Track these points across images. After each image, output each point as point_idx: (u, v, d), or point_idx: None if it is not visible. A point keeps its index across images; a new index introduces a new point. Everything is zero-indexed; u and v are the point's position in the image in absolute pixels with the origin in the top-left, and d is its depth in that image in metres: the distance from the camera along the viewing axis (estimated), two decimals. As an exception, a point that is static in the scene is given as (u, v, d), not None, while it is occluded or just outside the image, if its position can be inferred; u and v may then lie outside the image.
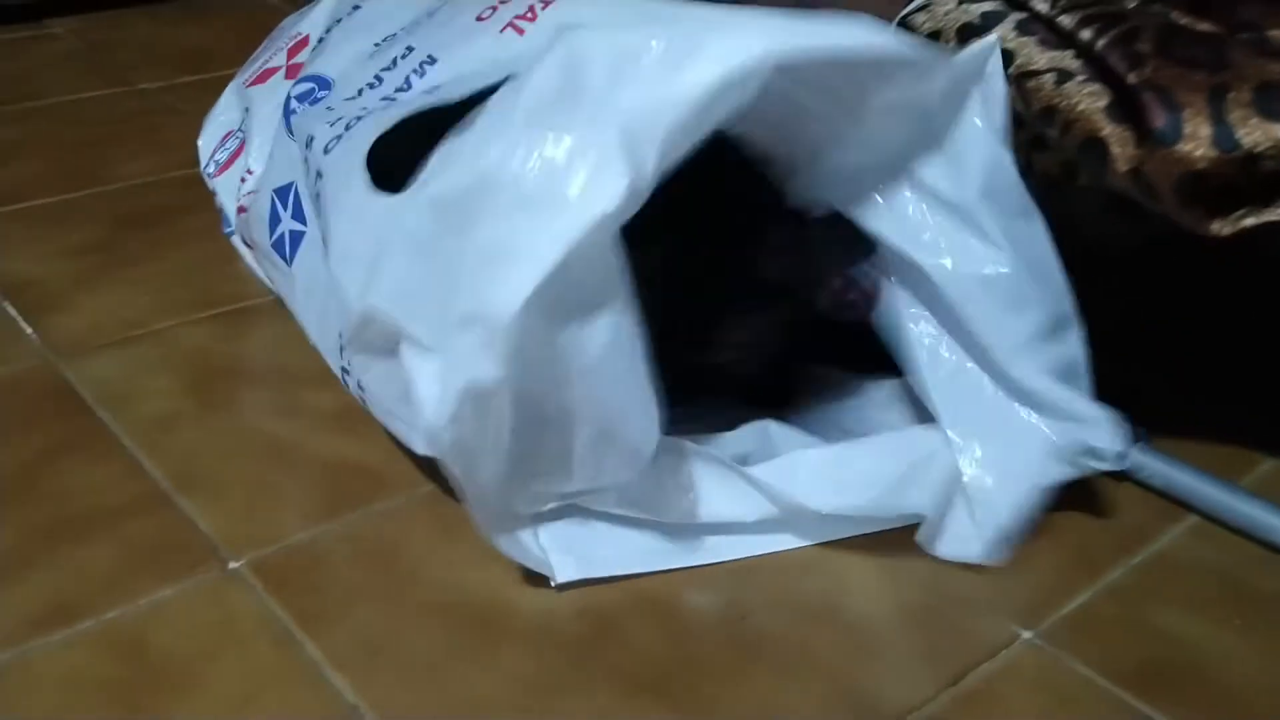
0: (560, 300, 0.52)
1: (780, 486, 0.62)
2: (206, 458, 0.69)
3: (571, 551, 0.61)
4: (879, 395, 0.72)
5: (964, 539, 0.62)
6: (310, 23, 0.85)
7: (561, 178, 0.51)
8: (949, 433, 0.64)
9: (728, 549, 0.63)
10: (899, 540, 0.63)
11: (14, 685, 0.53)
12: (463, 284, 0.53)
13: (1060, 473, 0.63)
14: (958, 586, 0.61)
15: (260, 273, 0.85)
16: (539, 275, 0.50)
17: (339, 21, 0.82)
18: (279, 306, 0.81)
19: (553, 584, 0.60)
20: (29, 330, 0.80)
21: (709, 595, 0.60)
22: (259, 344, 0.81)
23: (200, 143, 0.93)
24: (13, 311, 0.82)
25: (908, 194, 0.64)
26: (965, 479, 0.63)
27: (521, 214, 0.52)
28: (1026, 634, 0.59)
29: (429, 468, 0.68)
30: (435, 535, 0.64)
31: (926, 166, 0.63)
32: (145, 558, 0.61)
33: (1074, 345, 0.63)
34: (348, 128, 0.66)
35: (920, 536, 0.62)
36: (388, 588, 0.60)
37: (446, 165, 0.55)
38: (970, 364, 0.65)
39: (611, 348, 0.54)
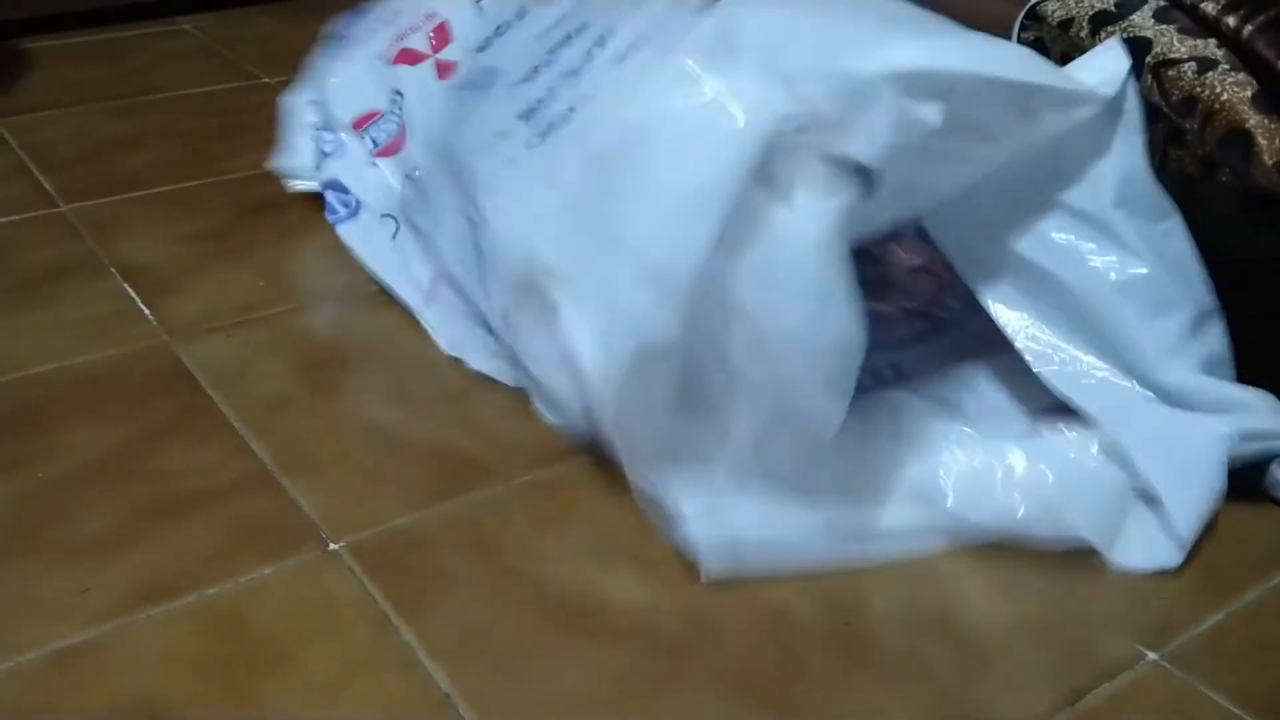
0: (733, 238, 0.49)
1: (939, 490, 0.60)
2: (312, 440, 0.69)
3: (720, 541, 0.59)
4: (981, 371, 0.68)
5: (1146, 547, 0.60)
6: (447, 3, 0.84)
7: (725, 109, 0.49)
8: (1109, 438, 0.61)
9: (884, 548, 0.61)
10: (1019, 551, 0.60)
11: (116, 657, 0.54)
12: (628, 238, 0.51)
13: (1230, 462, 0.60)
14: (1079, 603, 0.58)
15: (369, 262, 0.85)
16: (718, 215, 0.48)
17: (499, 30, 0.79)
18: (384, 295, 0.82)
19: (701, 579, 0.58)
20: (146, 312, 0.82)
21: (813, 600, 0.58)
22: (368, 331, 0.81)
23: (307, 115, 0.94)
24: (131, 293, 0.84)
25: (1038, 210, 0.61)
26: (1134, 490, 0.60)
27: (688, 152, 0.49)
28: (1152, 655, 0.55)
29: (534, 456, 0.67)
30: (536, 527, 0.63)
31: (1057, 181, 0.60)
32: (248, 536, 0.61)
33: (1217, 338, 0.61)
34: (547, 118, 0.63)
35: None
36: (485, 577, 0.59)
37: (596, 120, 0.53)
38: (1106, 371, 0.62)
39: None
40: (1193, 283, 0.60)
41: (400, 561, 0.60)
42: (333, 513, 0.63)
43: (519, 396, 0.71)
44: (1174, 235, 0.60)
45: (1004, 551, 0.61)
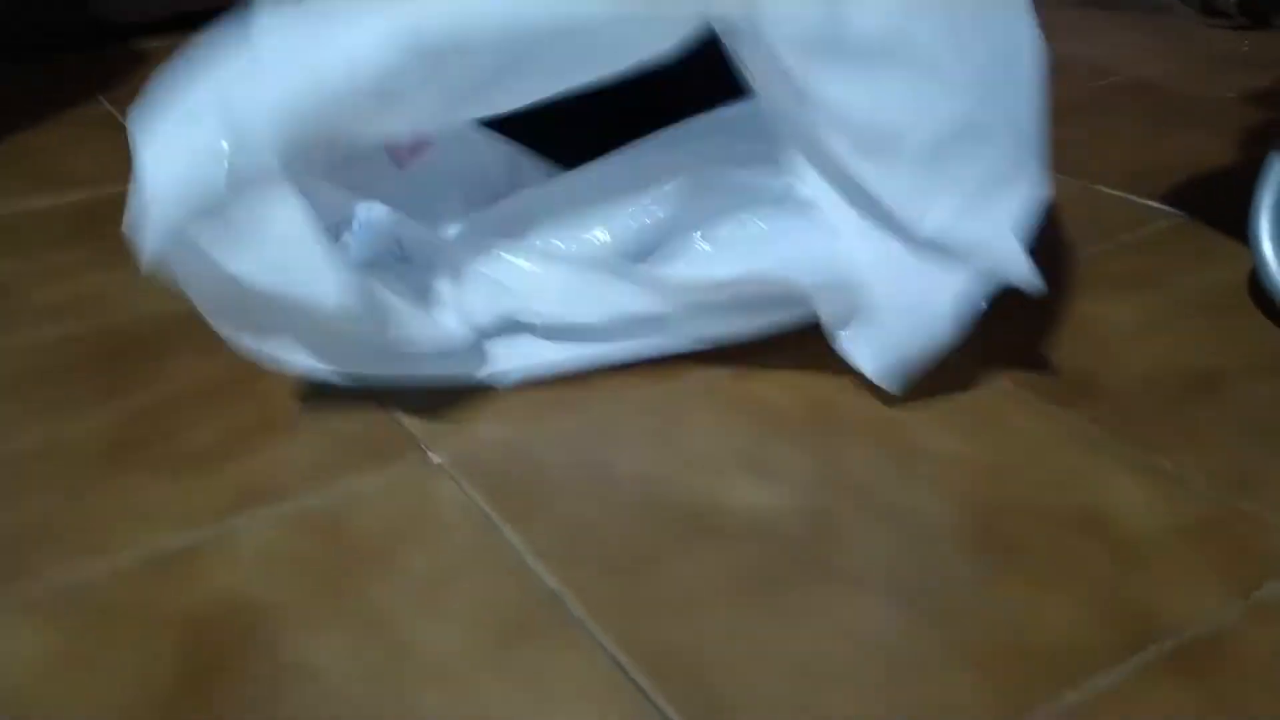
0: None
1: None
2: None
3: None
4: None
5: (875, 355, 0.61)
6: None
7: None
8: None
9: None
10: (1175, 462, 0.55)
11: (212, 560, 0.52)
12: None
13: (964, 292, 0.59)
14: (1239, 502, 0.53)
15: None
16: None
17: None
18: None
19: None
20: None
21: (948, 503, 0.54)
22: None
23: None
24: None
25: None
26: (869, 294, 0.60)
27: None
28: (1333, 551, 0.50)
29: (638, 373, 0.64)
30: (644, 438, 0.59)
31: None
32: (347, 450, 0.59)
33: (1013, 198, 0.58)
34: None
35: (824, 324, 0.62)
36: (592, 484, 0.56)
37: None
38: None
39: None
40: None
41: (503, 470, 0.57)
42: (432, 427, 0.61)
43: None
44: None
45: (1156, 458, 0.55)
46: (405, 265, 0.67)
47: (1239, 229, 0.77)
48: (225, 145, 0.53)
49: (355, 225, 0.65)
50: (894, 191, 0.59)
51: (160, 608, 0.49)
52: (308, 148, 0.55)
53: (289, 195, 0.54)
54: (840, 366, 0.65)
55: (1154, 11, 1.45)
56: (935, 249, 0.59)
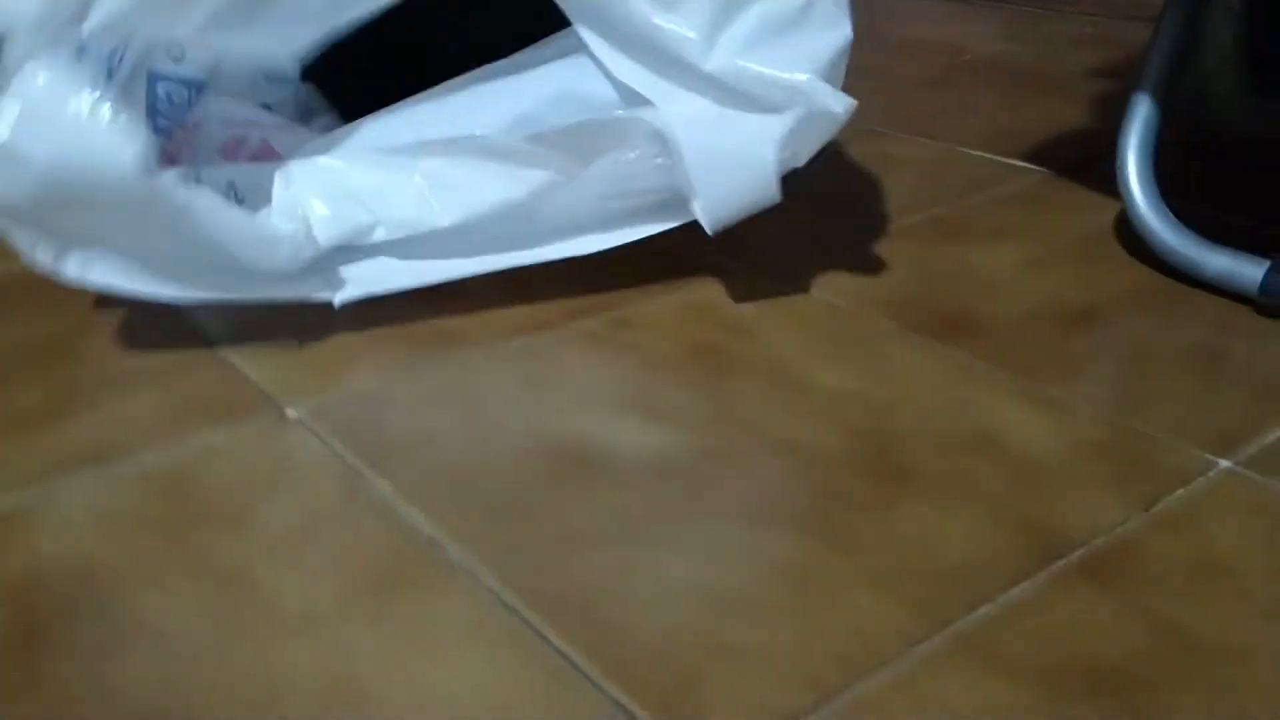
0: None
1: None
2: (252, 316, 0.62)
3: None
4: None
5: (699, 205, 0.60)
6: None
7: None
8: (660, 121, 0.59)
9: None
10: (1061, 390, 0.54)
11: (37, 522, 0.46)
12: None
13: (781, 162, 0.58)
14: (1128, 423, 0.52)
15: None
16: None
17: None
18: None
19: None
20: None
21: (838, 433, 0.51)
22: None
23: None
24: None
25: None
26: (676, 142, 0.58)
27: None
28: (1225, 463, 0.49)
29: (511, 324, 0.61)
30: (521, 385, 0.56)
31: None
32: (191, 407, 0.54)
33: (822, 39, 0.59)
34: None
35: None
36: (468, 431, 0.52)
37: None
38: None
39: None
40: None
41: (368, 421, 0.53)
42: (287, 382, 0.56)
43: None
44: None
45: (1044, 388, 0.55)
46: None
47: (1099, 183, 0.78)
48: None
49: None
50: (681, 39, 0.58)
51: (-23, 575, 0.43)
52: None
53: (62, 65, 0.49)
54: (721, 312, 0.63)
55: (1002, 3, 1.48)
56: (732, 93, 0.58)
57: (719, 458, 0.50)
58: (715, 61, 0.58)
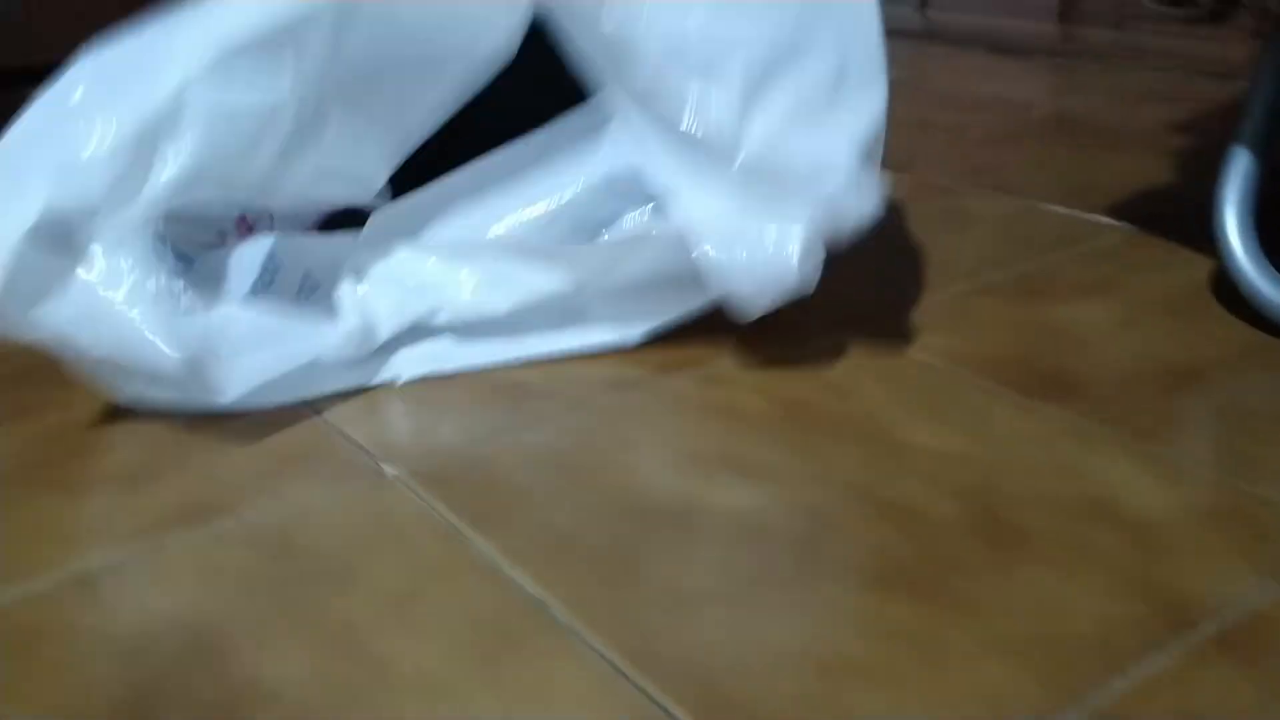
0: None
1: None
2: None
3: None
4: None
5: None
6: None
7: None
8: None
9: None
10: (1170, 451, 0.53)
11: (144, 579, 0.46)
12: None
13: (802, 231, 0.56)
14: (1243, 486, 0.50)
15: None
16: None
17: None
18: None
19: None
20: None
21: (944, 494, 0.50)
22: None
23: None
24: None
25: None
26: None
27: None
28: (1353, 530, 0.47)
29: (598, 384, 0.60)
30: (612, 444, 0.55)
31: None
32: (288, 463, 0.54)
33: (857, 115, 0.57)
34: None
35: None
36: (562, 490, 0.52)
37: None
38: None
39: None
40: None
41: (464, 480, 0.52)
42: (381, 439, 0.56)
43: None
44: None
45: (1151, 444, 0.53)
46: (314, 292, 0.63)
47: (1186, 238, 0.77)
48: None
49: (259, 269, 0.62)
50: (713, 132, 0.56)
51: (89, 631, 0.43)
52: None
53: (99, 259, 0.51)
54: (810, 368, 0.62)
55: (1061, 56, 1.48)
56: (761, 187, 0.56)
57: (823, 518, 0.49)
58: (745, 154, 0.56)
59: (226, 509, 0.50)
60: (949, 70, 1.40)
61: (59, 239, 0.51)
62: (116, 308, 0.51)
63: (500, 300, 0.62)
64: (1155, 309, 0.69)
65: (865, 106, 0.56)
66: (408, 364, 0.61)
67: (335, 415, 0.58)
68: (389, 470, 0.53)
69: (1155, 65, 1.40)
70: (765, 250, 0.56)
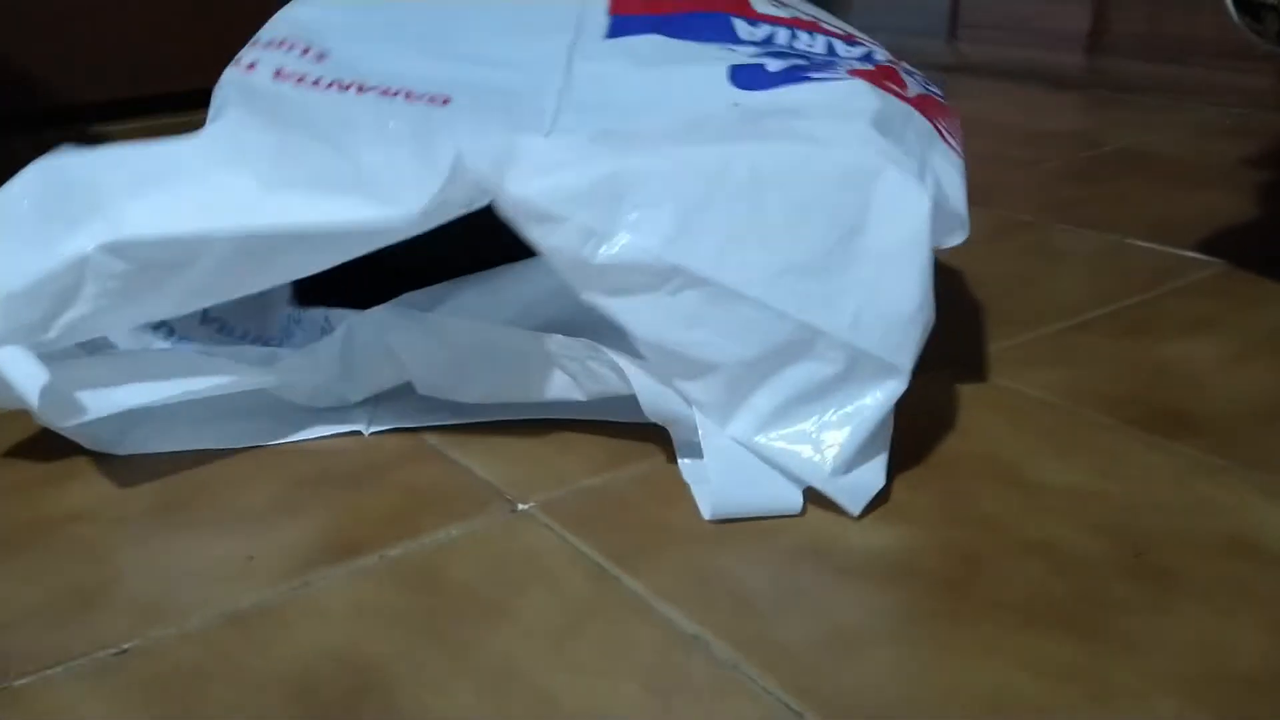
0: None
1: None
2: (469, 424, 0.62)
3: None
4: None
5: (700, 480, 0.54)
6: None
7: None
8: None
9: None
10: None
11: (297, 616, 0.46)
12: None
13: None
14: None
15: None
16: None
17: None
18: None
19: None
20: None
21: (1088, 533, 0.50)
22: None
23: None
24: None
25: None
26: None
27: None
28: None
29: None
30: (744, 480, 0.55)
31: None
32: (422, 500, 0.54)
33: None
34: None
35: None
36: (701, 527, 0.52)
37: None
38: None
39: None
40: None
41: (601, 517, 0.52)
42: (512, 477, 0.56)
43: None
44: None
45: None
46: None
47: (1288, 272, 0.77)
48: None
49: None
50: (698, 397, 0.53)
51: (250, 668, 0.43)
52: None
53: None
54: (927, 407, 0.62)
55: (1122, 90, 1.48)
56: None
57: (968, 557, 0.49)
58: (719, 417, 0.53)
59: (368, 546, 0.51)
60: (1003, 103, 1.41)
61: None
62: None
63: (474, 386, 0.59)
64: (1264, 345, 0.69)
65: (872, 394, 0.52)
66: (379, 416, 0.61)
67: (455, 451, 0.58)
68: (522, 506, 0.54)
69: (1226, 100, 1.40)
70: (770, 485, 0.53)
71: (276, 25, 0.60)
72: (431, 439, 0.60)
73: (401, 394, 0.61)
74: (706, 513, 0.52)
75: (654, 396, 0.53)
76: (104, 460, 0.58)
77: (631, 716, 0.40)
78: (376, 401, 0.61)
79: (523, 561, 0.49)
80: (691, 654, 0.43)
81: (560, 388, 0.57)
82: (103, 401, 0.55)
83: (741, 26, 0.62)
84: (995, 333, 0.72)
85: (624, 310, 0.51)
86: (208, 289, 0.54)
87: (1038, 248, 0.88)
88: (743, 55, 0.59)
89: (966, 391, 0.64)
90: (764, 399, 0.52)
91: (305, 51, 0.57)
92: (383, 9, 0.61)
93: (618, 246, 0.50)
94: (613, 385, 0.55)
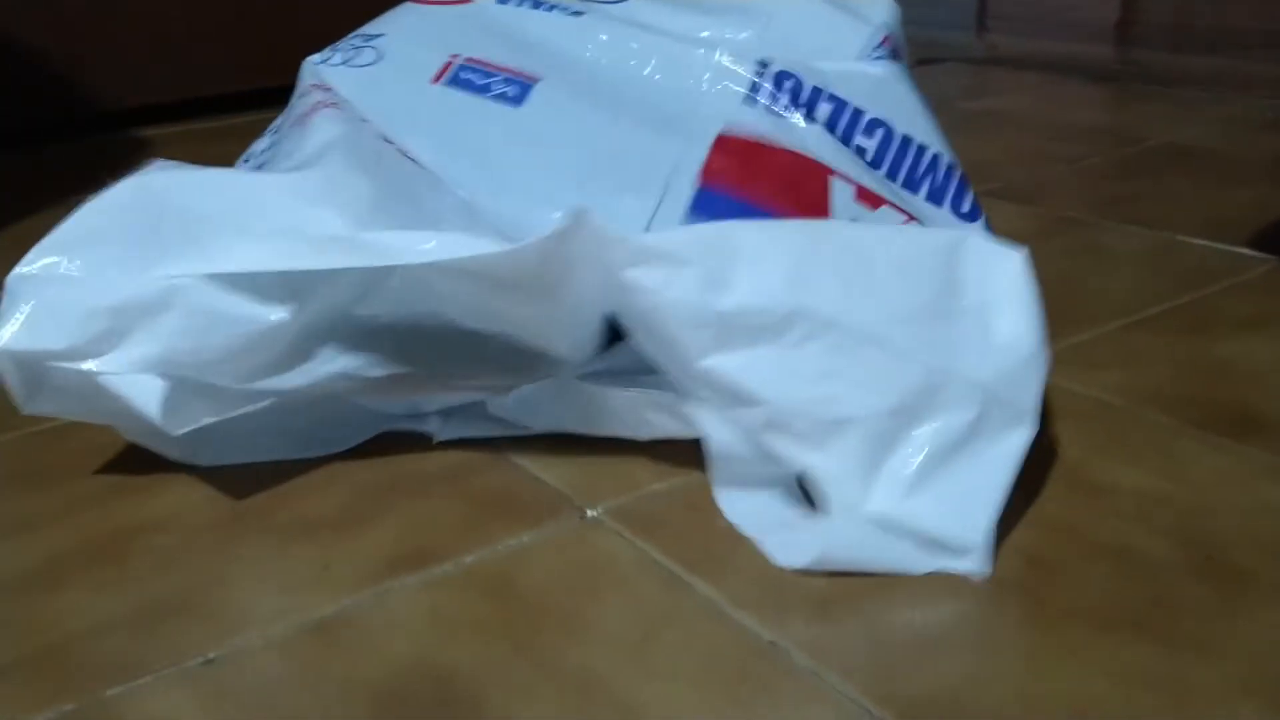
0: None
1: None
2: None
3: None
4: None
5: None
6: None
7: None
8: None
9: None
10: (1379, 475, 0.53)
11: (376, 624, 0.47)
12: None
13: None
14: None
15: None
16: None
17: None
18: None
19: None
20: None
21: (1157, 536, 0.50)
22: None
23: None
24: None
25: None
26: None
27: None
28: None
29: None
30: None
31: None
32: (492, 508, 0.55)
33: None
34: None
35: None
36: (772, 532, 0.52)
37: None
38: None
39: None
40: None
41: (670, 524, 0.53)
42: (578, 483, 0.56)
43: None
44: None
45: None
46: None
47: (1346, 268, 0.76)
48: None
49: None
50: (827, 477, 0.50)
51: (335, 677, 0.44)
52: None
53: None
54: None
55: (1155, 82, 1.48)
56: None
57: (1039, 560, 0.49)
58: (854, 498, 0.50)
59: (442, 554, 0.51)
60: (1037, 97, 1.40)
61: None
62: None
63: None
64: (1324, 343, 0.69)
65: (999, 444, 0.50)
66: (447, 425, 0.61)
67: (522, 458, 0.59)
68: (590, 512, 0.54)
69: (1267, 94, 1.39)
70: None
71: None
72: (499, 446, 0.60)
73: (471, 405, 0.61)
74: (791, 561, 0.49)
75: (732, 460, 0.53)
76: (176, 471, 0.59)
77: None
78: (449, 412, 0.62)
79: (595, 569, 0.50)
80: (770, 661, 0.44)
81: (623, 427, 0.58)
82: (209, 408, 0.55)
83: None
84: (1052, 332, 0.71)
85: (745, 369, 0.50)
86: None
87: (1088, 246, 0.88)
88: None
89: (1026, 393, 0.64)
90: (902, 461, 0.49)
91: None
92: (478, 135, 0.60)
93: (740, 291, 0.49)
94: (672, 431, 0.55)
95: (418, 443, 0.61)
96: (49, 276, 0.52)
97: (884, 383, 0.49)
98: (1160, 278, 0.80)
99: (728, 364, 0.50)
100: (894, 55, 0.66)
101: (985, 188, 1.01)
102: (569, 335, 0.55)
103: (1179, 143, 1.17)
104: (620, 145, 0.61)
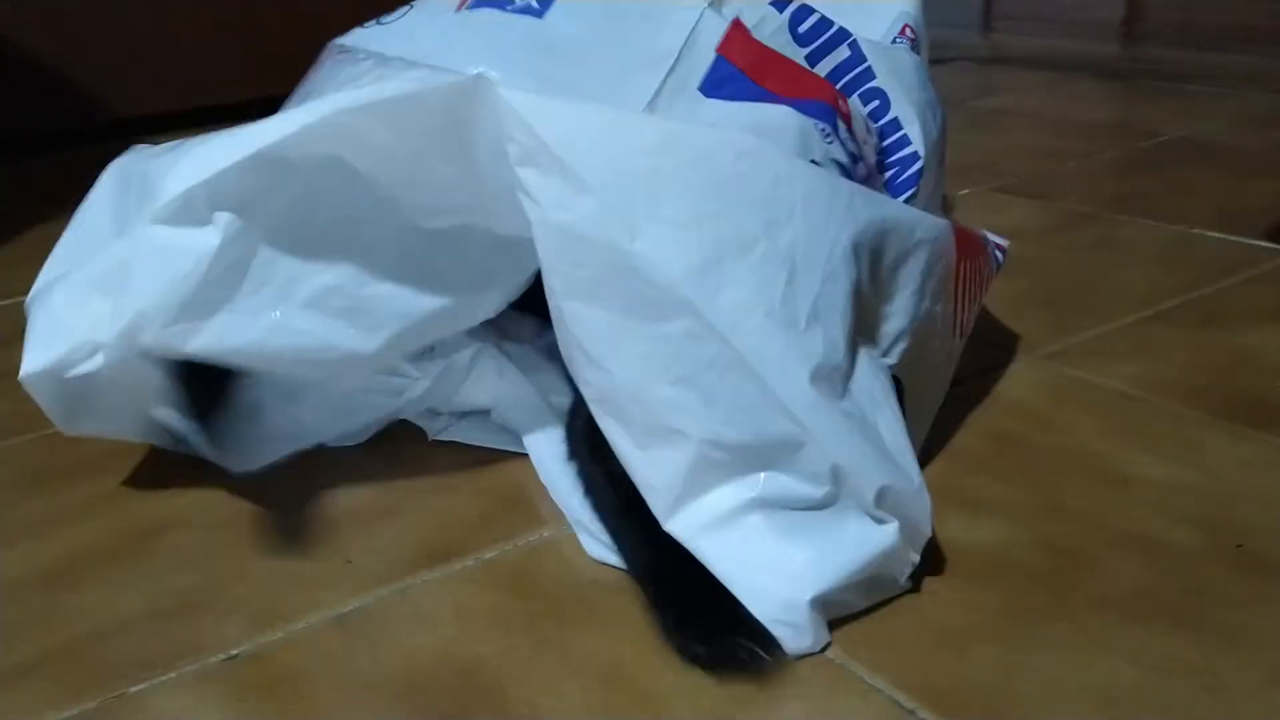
0: None
1: None
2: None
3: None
4: None
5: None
6: None
7: None
8: None
9: None
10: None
11: (403, 617, 0.47)
12: None
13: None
14: None
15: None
16: None
17: None
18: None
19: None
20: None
21: (1184, 525, 0.50)
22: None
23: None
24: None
25: None
26: None
27: None
28: None
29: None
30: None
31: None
32: (511, 504, 0.55)
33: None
34: None
35: None
36: (795, 525, 0.52)
37: None
38: None
39: None
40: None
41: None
42: (599, 479, 0.56)
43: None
44: None
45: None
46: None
47: (1365, 259, 0.76)
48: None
49: None
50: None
51: (359, 671, 0.44)
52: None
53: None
54: (1009, 400, 0.62)
55: (1164, 78, 1.47)
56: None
57: (1066, 551, 0.49)
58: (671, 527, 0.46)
59: (463, 549, 0.51)
60: (1046, 94, 1.40)
61: None
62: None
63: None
64: (1344, 333, 0.68)
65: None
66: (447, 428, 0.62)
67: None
68: (611, 509, 0.54)
69: (1255, 86, 1.39)
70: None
71: None
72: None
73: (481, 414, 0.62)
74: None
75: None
76: (194, 469, 0.59)
77: (736, 711, 0.40)
78: (458, 416, 0.62)
79: (614, 565, 0.50)
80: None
81: None
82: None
83: (843, 130, 0.60)
84: (1070, 325, 0.71)
85: (605, 333, 0.45)
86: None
87: (1103, 240, 0.87)
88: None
89: (1047, 385, 0.64)
90: (720, 498, 0.45)
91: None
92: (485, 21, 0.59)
93: (644, 244, 0.45)
94: None
95: (434, 444, 0.61)
96: (51, 288, 0.52)
97: (744, 416, 0.44)
98: (1177, 271, 0.80)
99: (588, 317, 0.45)
100: (913, 47, 0.65)
101: (998, 184, 1.00)
102: (500, 207, 0.49)
103: (1190, 137, 1.17)
104: (639, 29, 0.59)
